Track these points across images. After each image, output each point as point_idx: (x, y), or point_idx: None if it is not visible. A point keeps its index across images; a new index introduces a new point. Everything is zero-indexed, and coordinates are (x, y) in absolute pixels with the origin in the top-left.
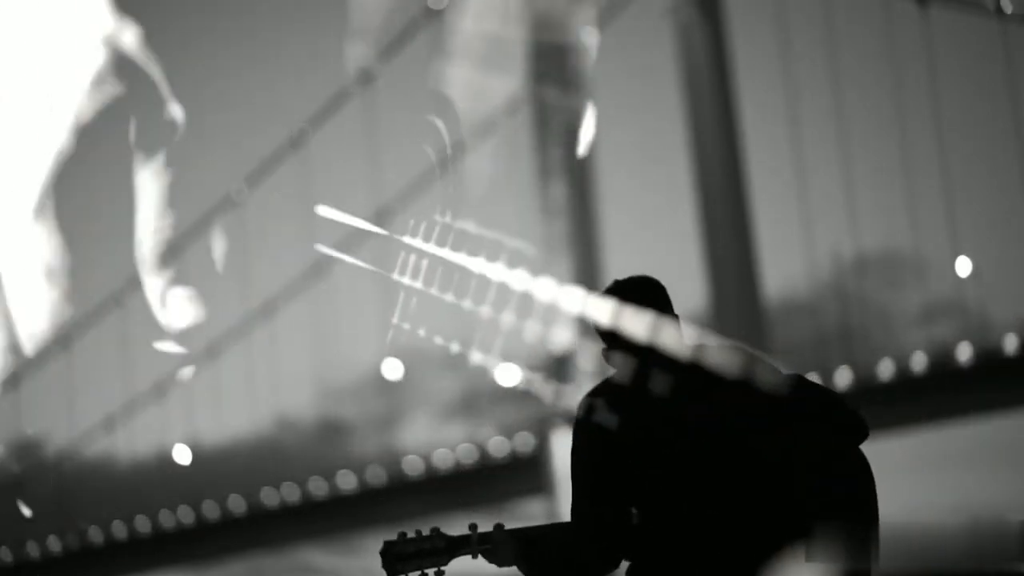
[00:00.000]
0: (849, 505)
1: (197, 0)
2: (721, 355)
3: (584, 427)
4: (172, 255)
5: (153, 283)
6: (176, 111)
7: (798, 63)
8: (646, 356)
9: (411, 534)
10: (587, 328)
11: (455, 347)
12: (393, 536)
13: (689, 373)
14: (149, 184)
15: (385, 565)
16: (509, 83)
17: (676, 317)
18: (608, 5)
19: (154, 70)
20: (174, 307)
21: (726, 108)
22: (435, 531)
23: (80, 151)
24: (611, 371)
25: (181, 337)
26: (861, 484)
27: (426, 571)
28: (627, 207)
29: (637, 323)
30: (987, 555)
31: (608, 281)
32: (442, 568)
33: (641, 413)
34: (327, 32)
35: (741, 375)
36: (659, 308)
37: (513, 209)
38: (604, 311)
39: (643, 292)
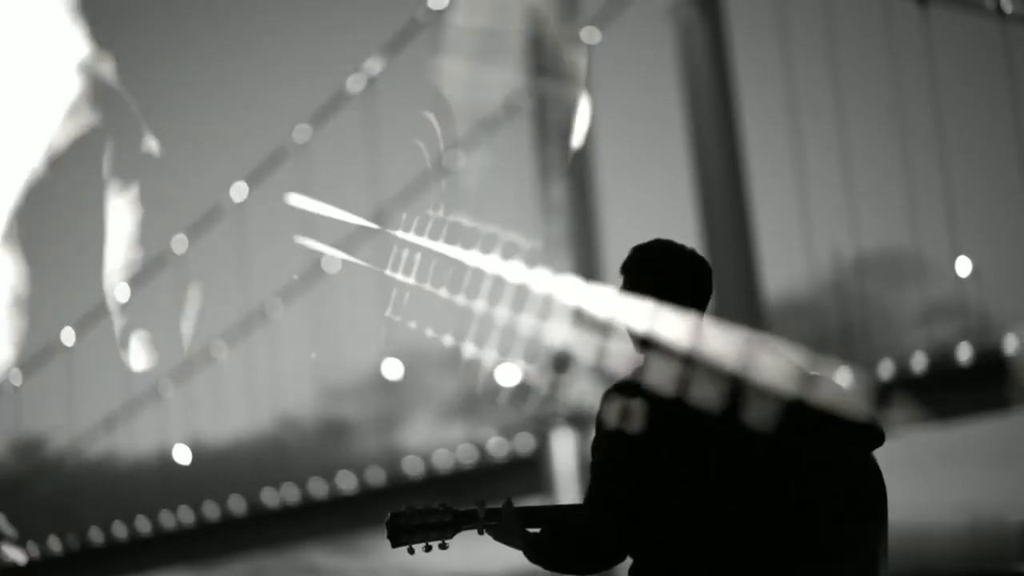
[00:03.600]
0: (859, 508)
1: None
2: (739, 351)
3: (605, 420)
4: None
5: (117, 320)
6: (152, 144)
7: (798, 63)
8: (671, 352)
9: (419, 506)
10: (589, 322)
11: (463, 347)
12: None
13: (711, 369)
14: (120, 215)
15: (390, 536)
16: (508, 81)
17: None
18: (608, 5)
19: (132, 100)
20: (133, 349)
21: (726, 108)
22: (442, 505)
23: (52, 179)
24: (634, 364)
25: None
26: (871, 487)
27: (430, 543)
28: (627, 207)
29: (669, 318)
30: (987, 555)
31: (607, 280)
32: (446, 541)
33: (660, 409)
34: (327, 32)
35: (761, 372)
36: (697, 292)
37: (513, 208)
38: (638, 298)
39: (689, 270)
